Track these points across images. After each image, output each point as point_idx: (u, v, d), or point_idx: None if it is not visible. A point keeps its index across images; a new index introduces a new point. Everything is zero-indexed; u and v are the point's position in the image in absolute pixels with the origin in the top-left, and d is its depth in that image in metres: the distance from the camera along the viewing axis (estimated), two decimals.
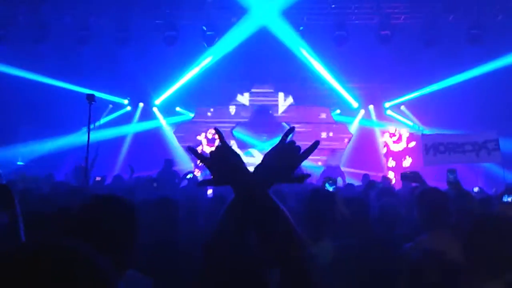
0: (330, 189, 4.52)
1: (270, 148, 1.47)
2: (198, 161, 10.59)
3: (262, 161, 1.46)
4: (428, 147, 9.88)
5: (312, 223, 3.12)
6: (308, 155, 1.46)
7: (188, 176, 8.42)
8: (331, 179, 4.72)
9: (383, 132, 14.61)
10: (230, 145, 1.46)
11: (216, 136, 1.50)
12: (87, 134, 6.16)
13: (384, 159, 14.19)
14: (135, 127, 15.16)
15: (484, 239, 2.20)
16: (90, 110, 5.82)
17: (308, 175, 1.51)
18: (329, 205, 3.27)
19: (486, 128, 11.80)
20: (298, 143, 1.46)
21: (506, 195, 5.66)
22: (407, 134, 13.78)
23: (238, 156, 1.44)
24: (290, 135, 1.49)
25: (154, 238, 3.32)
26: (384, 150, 14.01)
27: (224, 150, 1.44)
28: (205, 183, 1.49)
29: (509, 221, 2.30)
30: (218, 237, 1.39)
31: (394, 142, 13.71)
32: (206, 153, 1.51)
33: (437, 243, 3.01)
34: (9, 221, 2.34)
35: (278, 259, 1.34)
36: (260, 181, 1.41)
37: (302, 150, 1.46)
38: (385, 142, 14.04)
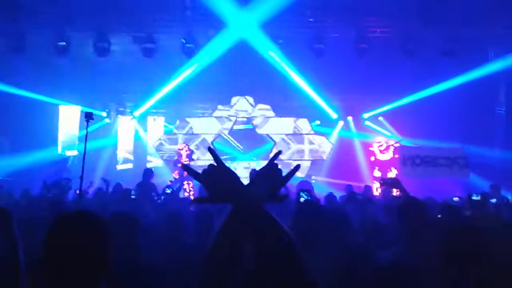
0: (303, 198, 4.58)
1: (257, 171, 1.56)
2: (174, 173, 10.50)
3: (252, 181, 1.52)
4: (405, 158, 10.11)
5: (304, 235, 3.15)
6: (290, 178, 1.56)
7: (167, 191, 8.37)
8: (305, 191, 4.78)
9: (366, 143, 14.68)
10: (224, 162, 1.49)
11: (210, 155, 1.54)
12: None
13: (367, 169, 14.26)
14: (114, 139, 15.00)
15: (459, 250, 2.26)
16: (87, 128, 5.81)
17: (287, 196, 1.58)
18: (317, 218, 3.30)
19: (460, 138, 12.15)
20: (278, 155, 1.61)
21: (474, 194, 5.91)
22: (395, 145, 13.91)
23: (233, 173, 1.48)
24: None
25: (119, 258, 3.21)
26: (372, 159, 14.08)
27: (219, 168, 1.47)
28: (202, 201, 1.51)
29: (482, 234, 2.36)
30: (216, 253, 1.42)
31: (381, 152, 13.82)
32: (196, 170, 1.52)
33: (410, 257, 3.08)
34: (7, 243, 2.35)
35: (276, 273, 1.37)
36: (257, 197, 1.45)
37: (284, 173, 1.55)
38: (372, 151, 14.15)
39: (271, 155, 1.65)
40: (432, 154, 10.20)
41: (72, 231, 1.80)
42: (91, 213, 1.94)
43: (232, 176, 1.46)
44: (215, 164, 1.48)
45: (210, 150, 1.57)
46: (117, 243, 3.21)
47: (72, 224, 1.84)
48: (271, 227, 1.41)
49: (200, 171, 1.47)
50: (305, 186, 10.37)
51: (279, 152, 1.64)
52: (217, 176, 1.45)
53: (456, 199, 8.61)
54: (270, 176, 1.52)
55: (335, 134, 15.59)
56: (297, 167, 1.59)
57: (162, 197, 8.00)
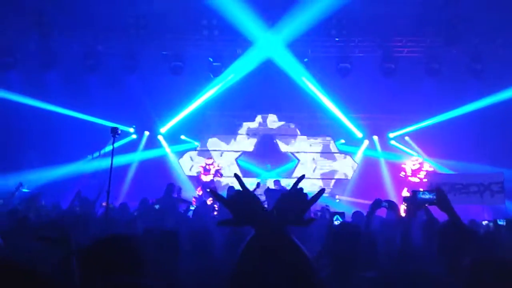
0: (338, 221, 4.55)
1: (282, 194, 1.61)
2: (198, 190, 10.62)
3: (276, 205, 1.59)
4: (433, 185, 9.90)
5: (339, 258, 3.14)
6: (315, 201, 1.61)
7: (192, 208, 8.44)
8: (339, 214, 4.75)
9: (390, 163, 14.52)
10: (249, 188, 1.58)
11: (236, 181, 1.64)
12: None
13: (392, 189, 14.05)
14: (141, 155, 15.25)
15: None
16: (114, 142, 5.98)
17: (313, 219, 1.62)
18: (354, 240, 3.29)
19: (488, 160, 11.87)
20: (302, 173, 1.60)
21: (499, 219, 5.79)
22: (429, 168, 13.72)
23: (257, 198, 1.57)
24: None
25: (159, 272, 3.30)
26: (402, 174, 13.90)
27: (244, 193, 1.56)
28: (226, 223, 1.57)
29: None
30: (238, 276, 1.46)
31: (412, 171, 13.66)
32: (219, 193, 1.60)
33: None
34: (64, 256, 2.48)
35: None
36: (278, 222, 1.53)
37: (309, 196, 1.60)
38: (404, 169, 13.98)
39: (294, 175, 1.68)
40: (462, 181, 9.97)
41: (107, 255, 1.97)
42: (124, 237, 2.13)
43: (256, 201, 1.56)
44: (240, 189, 1.58)
45: (236, 176, 1.67)
46: (158, 257, 3.32)
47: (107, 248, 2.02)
48: (291, 252, 1.47)
49: (224, 192, 1.55)
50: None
51: (303, 176, 1.68)
52: (241, 201, 1.55)
53: (485, 223, 8.42)
54: (295, 200, 1.58)
55: (360, 153, 15.48)
56: (322, 190, 1.63)
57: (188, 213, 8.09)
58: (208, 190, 1.81)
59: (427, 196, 3.44)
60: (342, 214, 4.67)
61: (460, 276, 2.98)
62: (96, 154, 14.08)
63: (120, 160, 13.81)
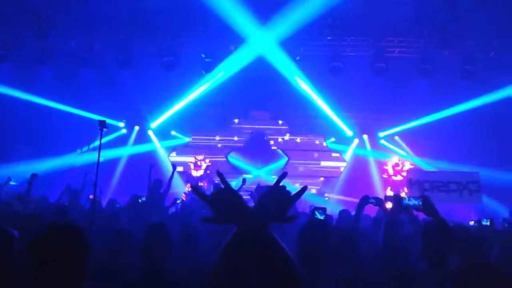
0: (321, 218, 4.55)
1: (264, 191, 1.61)
2: (187, 186, 10.67)
3: (258, 203, 1.59)
4: (413, 182, 9.97)
5: (309, 254, 3.13)
6: (298, 199, 1.61)
7: (178, 201, 8.44)
8: (320, 209, 4.75)
9: (380, 162, 14.62)
10: (231, 186, 1.58)
11: (218, 179, 1.63)
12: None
13: (381, 188, 14.16)
14: (130, 149, 15.19)
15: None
16: (101, 136, 5.94)
17: (296, 216, 1.62)
18: (324, 236, 3.29)
19: (478, 160, 12.01)
20: (290, 171, 1.60)
21: (484, 219, 5.87)
22: (410, 167, 13.81)
23: (239, 196, 1.57)
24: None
25: (146, 266, 3.30)
26: (385, 176, 14.01)
27: (226, 191, 1.57)
28: (208, 221, 1.57)
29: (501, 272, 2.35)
30: (219, 274, 1.46)
31: (395, 172, 13.76)
32: (204, 189, 1.60)
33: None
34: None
35: None
36: (260, 220, 1.53)
37: (292, 193, 1.61)
38: (386, 170, 14.07)
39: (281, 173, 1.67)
40: (442, 179, 10.04)
41: (53, 242, 2.03)
42: (70, 225, 2.19)
43: (238, 199, 1.56)
44: (222, 186, 1.58)
45: (218, 173, 1.65)
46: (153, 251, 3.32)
47: (53, 236, 2.07)
48: (273, 250, 1.48)
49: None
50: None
51: (285, 174, 1.68)
52: (223, 198, 1.55)
53: (472, 223, 8.51)
54: (277, 198, 1.58)
55: (350, 152, 15.56)
56: (304, 188, 1.63)
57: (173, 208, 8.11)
58: (190, 187, 1.82)
59: (412, 202, 3.51)
60: (323, 210, 4.67)
61: (445, 276, 3.02)
62: (85, 148, 13.99)
63: (109, 154, 13.83)
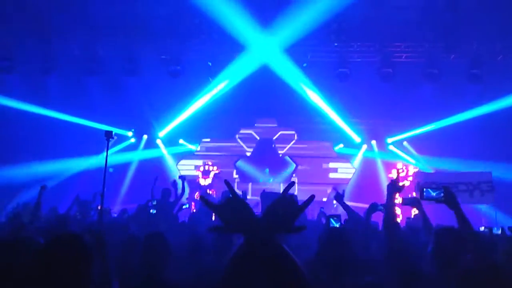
0: (336, 225, 4.49)
1: (272, 201, 1.58)
2: (196, 195, 10.64)
3: (265, 212, 1.56)
4: (421, 185, 9.83)
5: (332, 263, 3.11)
6: (305, 208, 1.57)
7: (184, 207, 8.43)
8: (335, 216, 4.68)
9: (389, 167, 14.53)
10: (239, 195, 1.57)
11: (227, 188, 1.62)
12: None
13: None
14: (139, 156, 15.25)
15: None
16: (108, 146, 5.95)
17: (305, 227, 1.60)
18: (347, 244, 3.26)
19: (484, 165, 11.86)
20: (299, 178, 1.58)
21: (495, 228, 5.79)
22: (414, 171, 13.71)
23: (247, 206, 1.55)
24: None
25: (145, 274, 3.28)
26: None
27: (234, 200, 1.55)
28: (217, 230, 1.56)
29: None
30: (226, 285, 1.45)
31: (401, 178, 13.65)
32: (213, 198, 1.60)
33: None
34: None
35: None
36: (268, 230, 1.51)
37: (300, 202, 1.58)
38: (391, 177, 13.96)
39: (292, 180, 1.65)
40: (451, 180, 9.87)
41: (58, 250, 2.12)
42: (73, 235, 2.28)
43: (246, 208, 1.54)
44: (230, 196, 1.56)
45: (226, 182, 1.64)
46: (146, 260, 3.32)
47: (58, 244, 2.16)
48: (282, 260, 1.45)
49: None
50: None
51: (292, 183, 1.67)
52: (231, 208, 1.54)
53: (482, 228, 8.39)
54: (284, 207, 1.56)
55: (358, 158, 15.49)
56: (312, 197, 1.60)
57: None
58: (198, 197, 1.81)
59: (434, 193, 3.41)
60: (337, 217, 4.61)
61: (454, 280, 2.98)
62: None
63: (119, 160, 13.88)
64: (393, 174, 13.80)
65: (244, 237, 1.50)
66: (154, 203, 7.97)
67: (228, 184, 1.63)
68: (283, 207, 1.56)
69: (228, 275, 1.46)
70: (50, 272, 2.01)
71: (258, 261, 1.45)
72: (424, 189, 3.48)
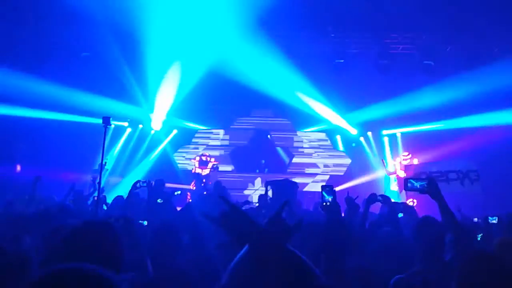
0: (329, 198, 4.41)
1: (268, 219, 1.63)
2: (192, 184, 10.59)
3: (269, 221, 1.61)
4: (405, 177, 9.86)
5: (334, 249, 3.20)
6: (298, 231, 1.62)
7: (176, 193, 8.39)
8: (327, 187, 4.58)
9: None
10: (237, 207, 1.55)
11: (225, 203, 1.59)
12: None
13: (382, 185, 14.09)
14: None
15: (477, 278, 2.25)
16: (105, 132, 5.91)
17: (300, 223, 1.63)
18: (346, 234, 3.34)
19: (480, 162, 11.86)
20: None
21: (489, 217, 5.81)
22: (403, 163, 13.70)
23: (248, 216, 1.53)
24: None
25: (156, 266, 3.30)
26: (392, 170, 13.89)
27: (232, 214, 1.53)
28: (223, 246, 1.55)
29: (503, 262, 2.32)
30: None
31: (401, 168, 13.65)
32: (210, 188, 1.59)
33: (430, 277, 3.05)
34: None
35: None
36: (274, 237, 1.50)
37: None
38: (394, 166, 13.96)
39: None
40: (440, 169, 9.86)
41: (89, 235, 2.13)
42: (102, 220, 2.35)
43: (248, 219, 1.52)
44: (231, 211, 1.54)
45: (221, 198, 1.61)
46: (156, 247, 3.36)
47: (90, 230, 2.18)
48: (293, 263, 1.45)
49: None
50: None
51: (286, 202, 1.70)
52: (233, 221, 1.52)
53: (476, 219, 8.44)
54: (278, 226, 1.59)
55: (353, 149, 15.52)
56: (301, 220, 1.65)
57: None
58: (193, 186, 1.80)
59: (417, 184, 3.47)
60: (330, 187, 4.49)
61: (444, 272, 3.02)
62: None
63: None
64: (396, 162, 13.67)
65: (251, 246, 1.48)
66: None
67: (224, 198, 1.60)
68: (276, 225, 1.57)
69: (233, 280, 1.45)
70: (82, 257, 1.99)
71: (266, 266, 1.43)
72: (408, 180, 3.55)
